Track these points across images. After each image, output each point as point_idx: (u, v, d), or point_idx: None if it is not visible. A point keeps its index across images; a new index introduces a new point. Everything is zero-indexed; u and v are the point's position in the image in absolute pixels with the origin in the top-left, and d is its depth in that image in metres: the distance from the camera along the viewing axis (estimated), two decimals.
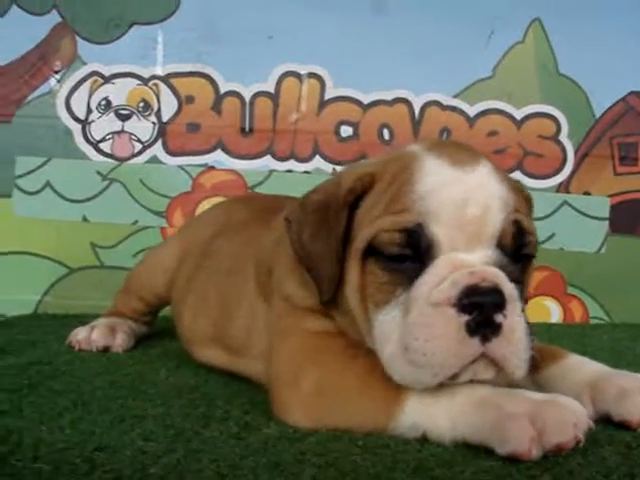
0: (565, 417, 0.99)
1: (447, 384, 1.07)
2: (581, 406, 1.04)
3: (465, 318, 1.04)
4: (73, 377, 1.49)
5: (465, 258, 1.09)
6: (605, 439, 1.10)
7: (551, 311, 2.67)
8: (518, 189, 1.24)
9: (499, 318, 1.04)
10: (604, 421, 1.17)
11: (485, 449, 1.01)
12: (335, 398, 1.15)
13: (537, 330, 2.15)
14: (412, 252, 1.10)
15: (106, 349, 1.79)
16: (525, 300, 1.23)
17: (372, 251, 1.14)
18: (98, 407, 1.26)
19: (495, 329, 1.04)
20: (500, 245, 1.12)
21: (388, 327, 1.12)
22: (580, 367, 1.28)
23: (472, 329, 1.03)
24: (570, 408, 1.01)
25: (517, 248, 1.14)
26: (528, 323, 1.10)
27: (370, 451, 1.04)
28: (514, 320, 1.06)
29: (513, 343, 1.06)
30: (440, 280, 1.07)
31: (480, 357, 1.05)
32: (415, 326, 1.06)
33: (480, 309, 1.04)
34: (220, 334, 1.52)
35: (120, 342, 1.81)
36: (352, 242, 1.18)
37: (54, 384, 1.42)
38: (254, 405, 1.29)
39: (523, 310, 1.10)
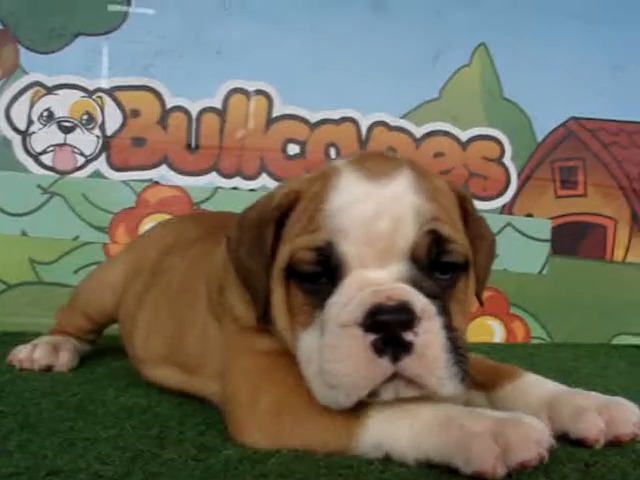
0: (528, 435, 0.99)
1: (373, 402, 1.06)
2: (542, 423, 1.04)
3: (371, 338, 1.03)
4: (17, 398, 1.44)
5: (374, 276, 1.08)
6: (565, 457, 1.12)
7: (494, 330, 2.70)
8: (443, 193, 1.21)
9: (409, 336, 1.03)
10: (562, 439, 1.17)
11: (448, 468, 1.00)
12: (294, 417, 1.13)
13: (482, 350, 2.19)
14: (324, 270, 1.10)
15: (49, 368, 1.72)
16: (471, 306, 1.26)
17: (292, 272, 1.14)
18: (46, 429, 1.21)
19: (405, 348, 1.02)
20: (414, 258, 1.10)
21: (309, 348, 1.11)
22: (536, 386, 1.29)
23: (379, 349, 1.02)
24: (532, 426, 1.01)
25: (435, 258, 1.12)
26: (451, 338, 1.07)
27: (334, 472, 1.02)
28: (428, 337, 1.04)
29: (428, 361, 1.04)
30: (348, 300, 1.06)
31: (397, 376, 1.04)
32: (326, 348, 1.06)
33: (386, 328, 1.02)
34: (174, 353, 1.48)
35: (64, 361, 1.74)
36: (275, 261, 1.18)
37: None
38: (209, 426, 1.27)
39: (447, 325, 1.07)
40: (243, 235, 1.24)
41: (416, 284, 1.08)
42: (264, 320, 1.22)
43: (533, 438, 0.99)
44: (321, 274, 1.11)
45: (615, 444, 1.16)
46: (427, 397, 1.08)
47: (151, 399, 1.47)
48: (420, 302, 1.05)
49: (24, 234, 2.45)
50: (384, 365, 1.02)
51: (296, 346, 1.15)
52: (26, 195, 2.46)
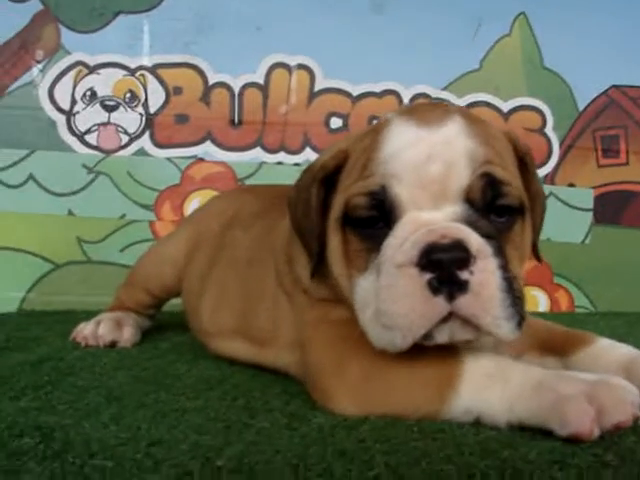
0: (622, 396, 1.00)
1: (427, 345, 1.06)
2: (631, 385, 1.04)
3: (427, 277, 1.03)
4: (91, 373, 1.45)
5: (429, 217, 1.09)
6: None
7: (539, 301, 2.71)
8: (498, 139, 1.21)
9: (464, 275, 1.03)
10: None
11: (541, 431, 1.01)
12: (384, 384, 1.13)
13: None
14: (379, 214, 1.11)
15: (113, 344, 1.74)
16: (528, 255, 1.27)
17: (348, 219, 1.15)
18: (133, 402, 1.22)
19: (461, 286, 1.02)
20: (469, 200, 1.10)
21: (367, 292, 1.13)
22: (611, 350, 1.29)
23: (435, 287, 1.02)
24: (624, 387, 1.02)
25: (491, 201, 1.12)
26: (508, 279, 1.06)
27: (429, 436, 1.03)
28: (484, 276, 1.04)
29: (484, 300, 1.03)
30: (403, 241, 1.07)
31: (452, 317, 1.04)
32: (382, 289, 1.07)
33: (442, 267, 1.03)
34: (244, 326, 1.49)
35: (128, 336, 1.76)
36: (331, 215, 1.21)
37: (76, 380, 1.37)
38: (292, 395, 1.27)
39: (504, 266, 1.07)
40: (298, 197, 1.27)
41: (471, 224, 1.08)
42: (322, 278, 1.26)
43: (627, 399, 1.00)
44: (376, 218, 1.12)
45: None
46: (484, 343, 1.13)
47: (224, 371, 1.48)
48: (476, 241, 1.05)
49: (71, 214, 2.47)
50: (440, 304, 1.03)
51: (353, 292, 1.16)
52: (72, 175, 2.47)
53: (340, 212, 1.16)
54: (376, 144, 1.15)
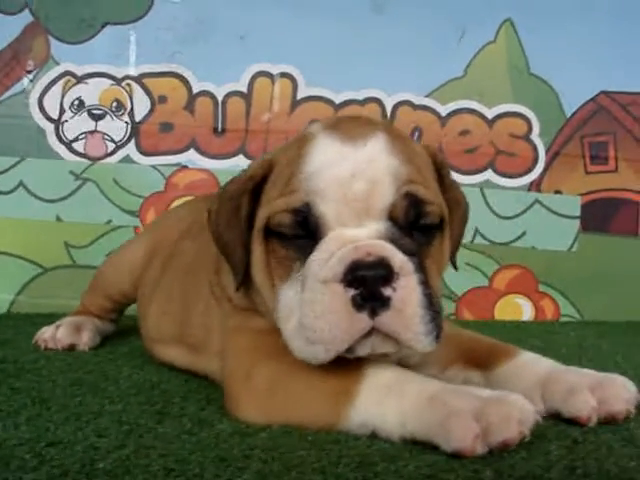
0: (510, 414, 1.00)
1: (348, 357, 1.09)
2: (528, 402, 1.04)
3: (351, 293, 1.05)
4: (36, 375, 1.50)
5: (353, 233, 1.11)
6: (554, 434, 1.12)
7: (523, 309, 2.69)
8: (419, 155, 1.24)
9: (387, 291, 1.06)
10: (558, 418, 1.19)
11: (433, 446, 1.02)
12: (287, 394, 1.16)
13: (507, 328, 2.20)
14: (303, 231, 1.13)
15: (72, 347, 1.80)
16: (446, 265, 1.30)
17: (270, 231, 1.18)
18: (56, 404, 1.27)
19: (383, 303, 1.05)
20: (392, 218, 1.13)
21: (290, 303, 1.15)
22: (531, 365, 1.29)
23: (359, 303, 1.05)
24: (516, 404, 1.02)
25: (414, 220, 1.15)
26: (428, 295, 1.09)
27: (319, 446, 1.05)
28: (406, 293, 1.07)
29: (405, 316, 1.07)
30: (329, 256, 1.09)
31: (374, 331, 1.06)
32: (306, 303, 1.09)
33: (365, 283, 1.05)
34: (182, 333, 1.54)
35: (86, 340, 1.82)
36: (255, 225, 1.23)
37: (15, 382, 1.43)
38: (210, 402, 1.31)
39: (424, 282, 1.09)
40: (221, 208, 1.29)
41: (394, 242, 1.10)
42: (244, 289, 1.29)
43: (515, 417, 1.00)
44: (300, 236, 1.14)
45: (609, 422, 1.16)
46: (404, 357, 1.19)
47: (162, 377, 1.52)
48: (398, 258, 1.07)
49: (58, 219, 2.54)
50: (363, 320, 1.05)
51: (276, 301, 1.18)
52: (59, 181, 2.55)
53: (262, 224, 1.19)
54: (300, 158, 1.17)
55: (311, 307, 1.08)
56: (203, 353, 1.45)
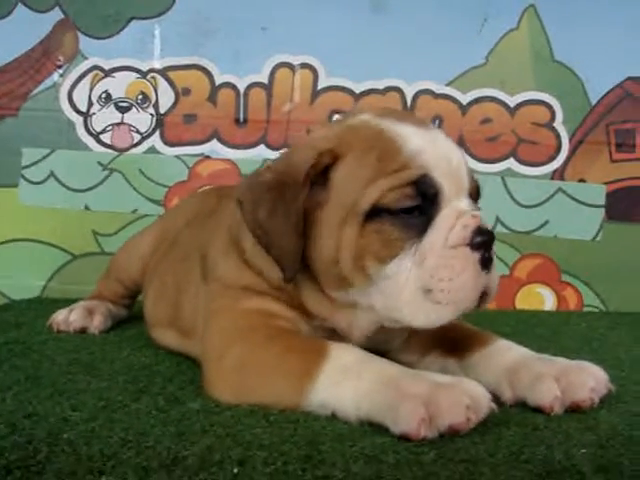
0: (459, 399, 1.02)
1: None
2: (482, 389, 1.07)
3: (478, 255, 1.18)
4: (40, 355, 1.57)
5: (461, 205, 1.22)
6: (517, 421, 1.13)
7: (545, 299, 2.66)
8: None
9: (492, 254, 1.21)
10: (525, 405, 1.21)
11: (387, 429, 1.04)
12: (254, 374, 1.20)
13: (525, 318, 2.17)
14: (422, 202, 1.20)
15: (83, 330, 1.87)
16: None
17: (374, 213, 1.20)
18: (47, 382, 1.33)
19: (490, 263, 1.20)
20: (470, 196, 1.28)
21: (400, 277, 1.19)
22: (503, 353, 1.31)
23: (483, 264, 1.18)
24: (467, 390, 1.04)
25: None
26: None
27: (276, 425, 1.09)
28: (494, 258, 1.23)
29: (495, 277, 1.23)
30: (452, 225, 1.19)
31: None
32: (437, 269, 1.17)
33: (486, 247, 1.19)
34: (175, 317, 1.59)
35: (97, 324, 1.89)
36: (327, 212, 1.24)
37: (17, 361, 1.50)
38: (192, 382, 1.35)
39: None
40: (262, 197, 1.26)
41: None
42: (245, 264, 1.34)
43: (463, 403, 1.02)
44: (418, 205, 1.20)
45: (575, 410, 1.17)
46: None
47: (157, 359, 1.58)
48: None
49: (87, 208, 2.64)
50: (485, 278, 1.19)
51: (373, 281, 1.22)
52: (88, 172, 2.64)
53: (367, 206, 1.19)
54: (389, 141, 1.23)
55: (443, 271, 1.17)
56: (192, 337, 1.50)
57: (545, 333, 1.98)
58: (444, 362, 1.38)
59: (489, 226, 1.22)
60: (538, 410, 1.18)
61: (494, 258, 1.22)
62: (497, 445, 1.03)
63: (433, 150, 1.22)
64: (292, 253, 1.23)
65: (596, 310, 2.67)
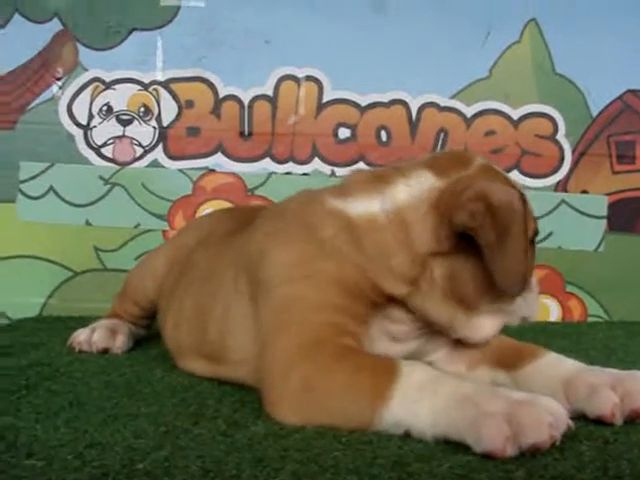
0: (541, 417, 1.01)
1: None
2: (560, 406, 1.05)
3: None
4: (71, 378, 1.52)
5: None
6: (584, 435, 1.12)
7: (550, 309, 2.69)
8: None
9: None
10: (584, 418, 1.20)
11: (465, 446, 1.03)
12: (322, 394, 1.16)
13: (535, 330, 2.19)
14: None
15: (105, 350, 1.82)
16: None
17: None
18: (93, 407, 1.29)
19: None
20: None
21: None
22: (554, 366, 1.30)
23: None
24: (547, 408, 1.03)
25: None
26: None
27: (352, 447, 1.06)
28: None
29: None
30: None
31: None
32: None
33: None
34: (199, 342, 1.54)
35: (120, 344, 1.83)
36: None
37: (52, 385, 1.45)
38: (244, 404, 1.32)
39: None
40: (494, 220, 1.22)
41: None
42: None
43: (546, 420, 1.00)
44: None
45: (634, 419, 1.17)
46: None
47: (193, 379, 1.53)
48: None
49: (88, 224, 2.58)
50: None
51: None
52: (89, 186, 2.58)
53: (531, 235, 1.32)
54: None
55: None
56: (223, 363, 1.46)
57: (567, 345, 2.00)
58: (494, 374, 1.37)
59: None
60: (599, 422, 1.18)
61: None
62: (580, 460, 1.02)
63: None
64: (523, 273, 1.27)
65: (600, 320, 2.69)
